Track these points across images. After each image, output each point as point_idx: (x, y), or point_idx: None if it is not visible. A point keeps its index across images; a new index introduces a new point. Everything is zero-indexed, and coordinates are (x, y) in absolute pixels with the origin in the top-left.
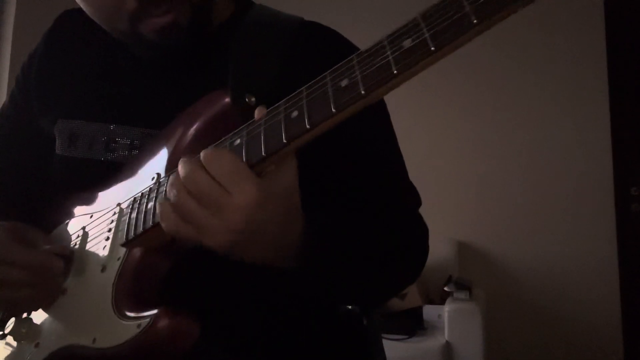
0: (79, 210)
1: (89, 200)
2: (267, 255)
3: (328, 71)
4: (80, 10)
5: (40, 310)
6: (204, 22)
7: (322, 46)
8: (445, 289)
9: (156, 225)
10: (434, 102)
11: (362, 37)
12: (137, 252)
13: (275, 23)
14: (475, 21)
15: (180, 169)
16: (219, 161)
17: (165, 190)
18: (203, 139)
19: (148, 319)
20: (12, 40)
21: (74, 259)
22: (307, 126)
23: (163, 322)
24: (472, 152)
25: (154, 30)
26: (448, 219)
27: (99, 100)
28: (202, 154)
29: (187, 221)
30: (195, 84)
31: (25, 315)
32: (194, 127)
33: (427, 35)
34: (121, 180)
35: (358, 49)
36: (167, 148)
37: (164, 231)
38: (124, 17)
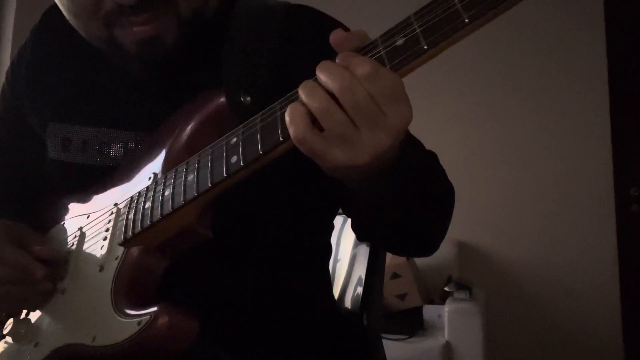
0: (75, 210)
1: (85, 200)
2: (370, 179)
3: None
4: None
5: (39, 310)
6: (193, 37)
7: (310, 32)
8: (445, 289)
9: (154, 224)
10: (432, 102)
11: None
12: (135, 251)
13: (262, 14)
14: (467, 20)
15: (336, 78)
16: (382, 79)
17: (296, 96)
18: (198, 139)
19: (148, 317)
20: (12, 40)
21: (70, 259)
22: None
23: (163, 319)
24: (471, 152)
25: (133, 41)
26: None
27: (91, 104)
28: (363, 68)
29: (329, 133)
30: (189, 85)
31: (23, 315)
32: (190, 127)
33: (419, 33)
34: (117, 180)
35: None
36: (163, 148)
37: (293, 139)
38: (99, 19)
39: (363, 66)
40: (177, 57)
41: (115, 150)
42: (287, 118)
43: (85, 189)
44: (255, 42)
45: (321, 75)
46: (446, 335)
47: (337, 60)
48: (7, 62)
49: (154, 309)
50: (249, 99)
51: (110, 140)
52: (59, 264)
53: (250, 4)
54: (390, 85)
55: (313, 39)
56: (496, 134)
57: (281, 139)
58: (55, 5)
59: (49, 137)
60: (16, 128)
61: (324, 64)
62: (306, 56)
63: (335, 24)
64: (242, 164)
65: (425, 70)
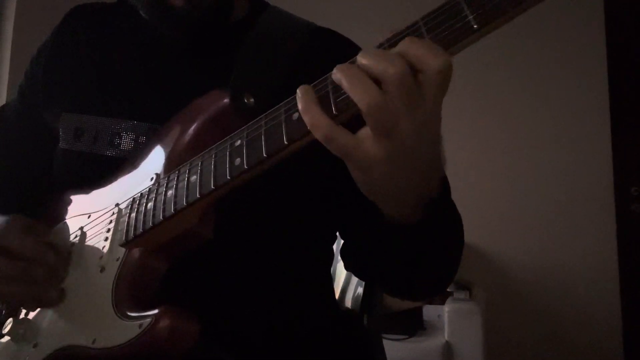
0: (76, 209)
1: (86, 199)
2: (403, 191)
3: (329, 73)
4: (89, 6)
5: (39, 311)
6: (229, 5)
7: (331, 54)
8: None
9: (156, 226)
10: None
11: (365, 38)
12: (136, 252)
13: (287, 27)
14: (475, 26)
15: (394, 65)
16: (449, 69)
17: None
18: (202, 139)
19: (149, 319)
20: (12, 40)
21: (71, 259)
22: (309, 128)
23: (164, 322)
24: (471, 152)
25: None
26: None
27: (105, 95)
28: (440, 60)
29: (374, 126)
30: (202, 81)
31: (22, 315)
32: (193, 127)
33: (426, 39)
34: (120, 179)
35: None
36: (166, 148)
37: (320, 139)
38: None
39: (441, 57)
40: (215, 21)
41: (127, 142)
42: (307, 121)
43: (91, 182)
44: (273, 51)
45: (376, 62)
46: (446, 335)
47: (402, 46)
48: (7, 63)
49: (155, 311)
50: (252, 100)
51: (122, 131)
52: (60, 263)
53: (277, 16)
54: (450, 74)
55: (333, 62)
56: (496, 134)
57: (286, 142)
58: (78, 6)
59: (62, 128)
60: (29, 123)
61: (377, 52)
62: (321, 75)
63: (359, 50)
64: (245, 166)
65: None
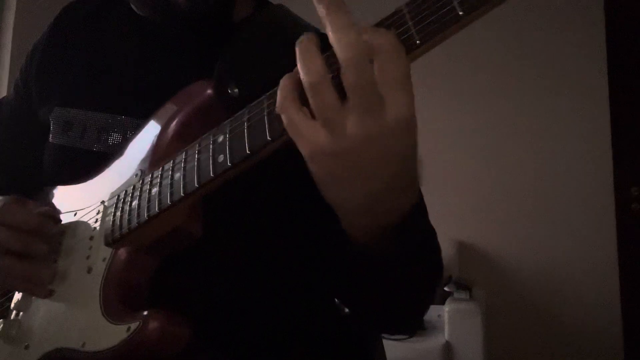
0: (63, 206)
1: (72, 196)
2: (366, 203)
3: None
4: (84, 2)
5: (29, 312)
6: (230, 4)
7: None
8: (445, 289)
9: (142, 225)
10: (432, 102)
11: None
12: (122, 252)
13: (286, 26)
14: (461, 13)
15: (348, 46)
16: (402, 59)
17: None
18: (186, 131)
19: (138, 322)
20: (12, 39)
21: (58, 260)
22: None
23: (153, 325)
24: (471, 152)
25: None
26: (448, 219)
27: (96, 90)
28: (387, 38)
29: (315, 111)
30: (195, 79)
31: (13, 316)
32: (177, 119)
33: (411, 27)
34: (105, 175)
35: None
36: (151, 142)
37: (276, 107)
38: None
39: (387, 37)
40: (215, 19)
41: (114, 137)
42: (280, 86)
43: (78, 177)
44: (263, 47)
45: (335, 34)
46: (446, 335)
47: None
48: (7, 62)
49: (144, 313)
50: (236, 90)
51: (110, 127)
52: (49, 261)
53: (279, 15)
54: (405, 69)
55: None
56: (496, 133)
57: (269, 138)
58: (72, 3)
59: (53, 122)
60: (22, 118)
61: (341, 21)
62: None
63: None
64: (229, 164)
65: (425, 67)
